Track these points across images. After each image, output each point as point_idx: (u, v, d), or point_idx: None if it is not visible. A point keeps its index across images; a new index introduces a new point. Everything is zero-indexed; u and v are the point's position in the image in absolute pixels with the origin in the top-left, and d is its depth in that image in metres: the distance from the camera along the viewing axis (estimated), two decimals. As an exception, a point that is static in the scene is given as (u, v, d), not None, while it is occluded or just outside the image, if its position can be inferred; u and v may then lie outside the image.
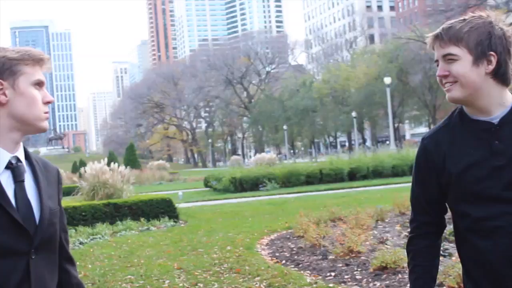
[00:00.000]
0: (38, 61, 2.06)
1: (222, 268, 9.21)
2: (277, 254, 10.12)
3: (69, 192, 21.69)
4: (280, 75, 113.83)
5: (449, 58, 2.23)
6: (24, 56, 2.02)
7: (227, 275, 8.69)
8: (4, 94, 1.98)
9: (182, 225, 16.31)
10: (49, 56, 2.14)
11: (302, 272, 8.43)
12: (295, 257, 9.58)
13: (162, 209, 17.25)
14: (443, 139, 2.36)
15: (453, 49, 2.22)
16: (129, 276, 9.21)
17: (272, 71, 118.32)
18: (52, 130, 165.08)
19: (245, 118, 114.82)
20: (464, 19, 2.25)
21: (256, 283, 7.90)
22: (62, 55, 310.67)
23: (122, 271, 9.67)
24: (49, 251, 2.06)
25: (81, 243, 13.68)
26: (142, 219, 16.42)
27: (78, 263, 10.64)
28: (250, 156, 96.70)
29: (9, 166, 1.99)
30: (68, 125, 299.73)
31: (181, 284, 8.33)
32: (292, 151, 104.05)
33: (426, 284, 2.41)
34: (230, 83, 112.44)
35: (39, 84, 2.06)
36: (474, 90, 2.22)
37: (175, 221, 16.71)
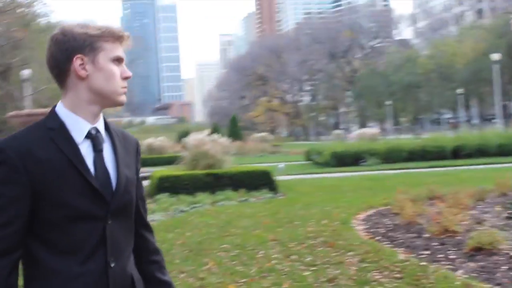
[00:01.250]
0: (118, 38, 2.15)
1: (316, 242, 9.29)
2: (372, 230, 10.11)
3: (171, 161, 22.25)
4: (384, 49, 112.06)
5: None
6: (104, 33, 2.12)
7: (320, 248, 8.77)
8: (85, 68, 2.09)
9: (281, 197, 16.49)
10: (129, 33, 2.22)
11: (395, 249, 8.41)
12: (390, 234, 9.54)
13: (262, 180, 17.50)
14: None
15: None
16: (225, 245, 9.44)
17: (376, 45, 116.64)
18: (158, 100, 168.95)
19: (348, 92, 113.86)
20: None
21: (349, 258, 7.95)
22: (167, 27, 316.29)
23: (219, 240, 9.91)
24: (125, 217, 2.17)
25: (182, 211, 14.08)
26: (241, 189, 16.72)
27: (177, 230, 11.04)
28: (353, 131, 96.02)
29: (88, 136, 2.11)
30: (174, 95, 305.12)
31: (275, 255, 8.48)
32: (396, 126, 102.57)
33: None
34: (333, 57, 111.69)
35: (118, 60, 2.15)
36: None
37: (273, 193, 16.92)
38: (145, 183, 19.72)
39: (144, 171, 28.19)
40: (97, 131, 2.14)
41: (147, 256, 2.36)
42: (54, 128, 2.07)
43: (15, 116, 31.21)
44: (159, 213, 13.78)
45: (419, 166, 25.98)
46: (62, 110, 2.12)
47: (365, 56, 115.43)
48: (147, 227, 2.41)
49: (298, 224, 11.15)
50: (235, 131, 56.88)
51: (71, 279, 2.01)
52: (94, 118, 2.14)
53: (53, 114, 2.12)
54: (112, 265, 2.09)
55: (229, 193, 16.42)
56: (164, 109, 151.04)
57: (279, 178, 20.00)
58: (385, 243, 8.92)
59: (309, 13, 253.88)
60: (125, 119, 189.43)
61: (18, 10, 54.16)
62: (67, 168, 2.02)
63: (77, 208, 2.02)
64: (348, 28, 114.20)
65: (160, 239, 10.02)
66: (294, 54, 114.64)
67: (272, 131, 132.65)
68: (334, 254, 8.28)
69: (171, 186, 17.13)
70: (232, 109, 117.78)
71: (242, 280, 7.14)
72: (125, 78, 2.18)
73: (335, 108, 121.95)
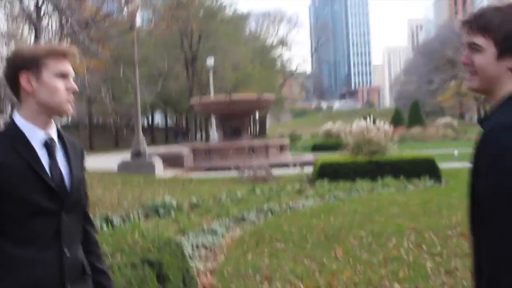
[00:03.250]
0: (62, 55, 2.42)
1: (453, 232, 9.13)
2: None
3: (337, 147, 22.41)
4: None
5: (473, 48, 2.15)
6: (49, 51, 2.39)
7: (454, 239, 8.63)
8: (31, 84, 2.38)
9: (442, 185, 16.16)
10: (75, 50, 2.48)
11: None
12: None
13: (424, 168, 17.23)
14: None
15: (479, 40, 2.13)
16: (362, 233, 9.52)
17: None
18: (344, 86, 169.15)
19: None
20: (499, 8, 2.12)
21: (477, 250, 7.77)
22: (358, 12, 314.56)
23: (358, 228, 9.99)
24: (76, 212, 2.48)
25: (336, 197, 14.25)
26: (402, 177, 16.59)
27: (323, 216, 11.25)
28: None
29: (45, 144, 2.41)
30: (362, 80, 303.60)
31: (405, 244, 8.46)
32: None
33: None
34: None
35: (62, 75, 2.42)
36: (491, 83, 2.13)
37: (435, 181, 16.61)
38: (310, 169, 20.10)
39: (307, 158, 28.56)
40: (52, 139, 2.45)
41: (89, 247, 2.66)
42: (14, 136, 2.38)
43: (196, 103, 32.94)
44: (313, 198, 14.05)
45: None
46: (19, 120, 2.42)
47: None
48: (90, 222, 2.71)
49: (445, 214, 10.96)
50: (416, 117, 55.82)
51: (31, 266, 2.31)
52: (46, 125, 2.44)
53: (12, 124, 2.43)
54: (67, 253, 2.39)
55: (389, 180, 16.36)
56: (351, 94, 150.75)
57: (448, 165, 19.62)
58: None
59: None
60: (313, 104, 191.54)
61: (206, 3, 56.65)
62: (27, 171, 2.32)
63: (36, 204, 2.32)
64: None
65: (302, 225, 10.35)
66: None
67: (460, 116, 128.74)
68: (466, 245, 8.12)
69: (332, 172, 17.36)
70: (419, 93, 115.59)
71: (360, 268, 7.24)
72: (70, 91, 2.44)
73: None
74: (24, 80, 2.40)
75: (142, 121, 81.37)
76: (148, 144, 24.78)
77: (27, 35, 38.02)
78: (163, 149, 34.76)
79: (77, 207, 2.50)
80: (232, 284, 6.77)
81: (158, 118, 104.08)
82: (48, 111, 2.43)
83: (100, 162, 30.83)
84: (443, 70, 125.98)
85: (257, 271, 7.29)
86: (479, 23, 2.14)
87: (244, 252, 8.49)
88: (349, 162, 17.63)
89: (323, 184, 16.38)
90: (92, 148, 57.42)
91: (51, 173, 2.39)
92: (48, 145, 2.43)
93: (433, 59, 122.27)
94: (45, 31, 19.87)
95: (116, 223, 10.38)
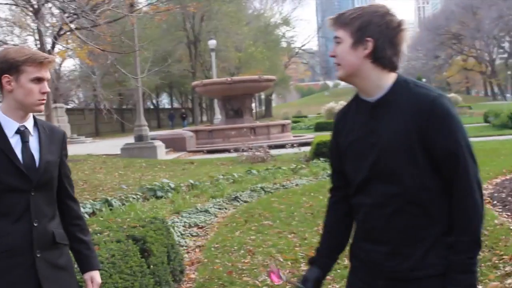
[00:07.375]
0: (39, 63, 2.89)
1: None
2: (495, 194, 10.20)
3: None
4: None
5: (337, 41, 2.57)
6: (28, 59, 2.86)
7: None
8: (10, 85, 2.86)
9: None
10: (53, 58, 2.98)
11: (502, 213, 8.58)
12: (510, 198, 9.61)
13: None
14: (343, 114, 2.74)
15: (339, 33, 2.55)
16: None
17: None
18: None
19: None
20: (358, 7, 2.57)
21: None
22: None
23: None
24: (46, 190, 2.95)
25: (328, 176, 14.65)
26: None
27: (313, 194, 11.77)
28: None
29: (18, 132, 2.91)
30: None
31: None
32: None
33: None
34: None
35: (38, 79, 2.90)
36: (352, 71, 2.53)
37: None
38: (307, 148, 20.55)
39: (308, 137, 28.88)
40: (25, 128, 2.94)
41: (70, 220, 3.16)
42: None
43: (197, 85, 33.31)
44: (307, 177, 14.53)
45: None
46: None
47: None
48: (71, 198, 3.19)
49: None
50: (419, 93, 55.78)
51: (5, 234, 2.82)
52: (22, 119, 2.94)
53: None
54: (36, 224, 2.88)
55: (382, 157, 16.74)
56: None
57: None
58: (497, 207, 9.07)
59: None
60: (320, 83, 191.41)
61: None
62: (1, 156, 2.84)
63: (8, 184, 2.83)
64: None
65: (291, 202, 10.86)
66: (490, 10, 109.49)
67: (467, 91, 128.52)
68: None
69: (328, 151, 17.77)
70: (424, 70, 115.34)
71: (339, 241, 7.73)
72: (43, 93, 2.93)
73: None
74: (5, 81, 2.88)
75: (148, 104, 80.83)
76: (154, 127, 25.15)
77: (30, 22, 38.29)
78: (165, 132, 35.24)
79: (47, 185, 2.96)
80: (217, 258, 7.30)
81: (165, 101, 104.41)
82: (23, 108, 2.92)
83: (105, 147, 31.39)
84: (448, 45, 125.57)
85: (242, 246, 7.81)
86: (340, 19, 2.58)
87: (233, 229, 9.01)
88: (344, 140, 18.01)
89: (318, 163, 16.82)
90: (98, 133, 57.81)
91: (22, 157, 2.88)
92: (21, 132, 2.91)
93: (438, 34, 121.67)
94: (46, 16, 20.23)
95: (115, 206, 10.89)
